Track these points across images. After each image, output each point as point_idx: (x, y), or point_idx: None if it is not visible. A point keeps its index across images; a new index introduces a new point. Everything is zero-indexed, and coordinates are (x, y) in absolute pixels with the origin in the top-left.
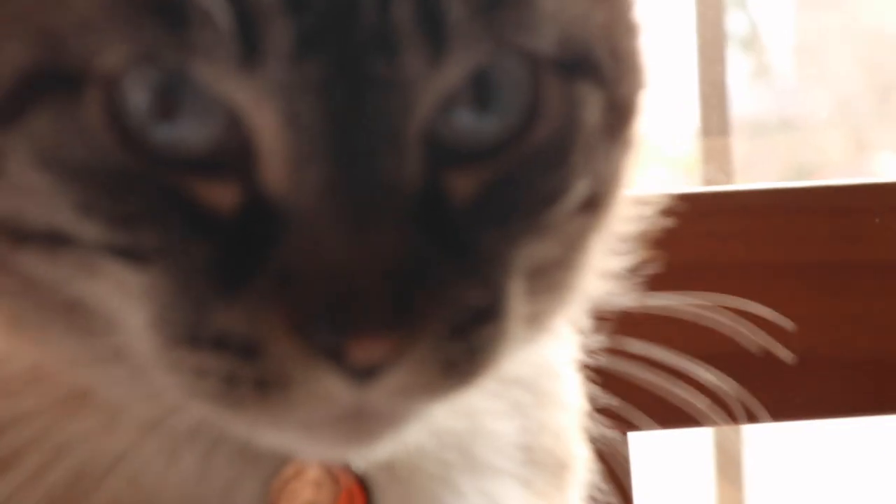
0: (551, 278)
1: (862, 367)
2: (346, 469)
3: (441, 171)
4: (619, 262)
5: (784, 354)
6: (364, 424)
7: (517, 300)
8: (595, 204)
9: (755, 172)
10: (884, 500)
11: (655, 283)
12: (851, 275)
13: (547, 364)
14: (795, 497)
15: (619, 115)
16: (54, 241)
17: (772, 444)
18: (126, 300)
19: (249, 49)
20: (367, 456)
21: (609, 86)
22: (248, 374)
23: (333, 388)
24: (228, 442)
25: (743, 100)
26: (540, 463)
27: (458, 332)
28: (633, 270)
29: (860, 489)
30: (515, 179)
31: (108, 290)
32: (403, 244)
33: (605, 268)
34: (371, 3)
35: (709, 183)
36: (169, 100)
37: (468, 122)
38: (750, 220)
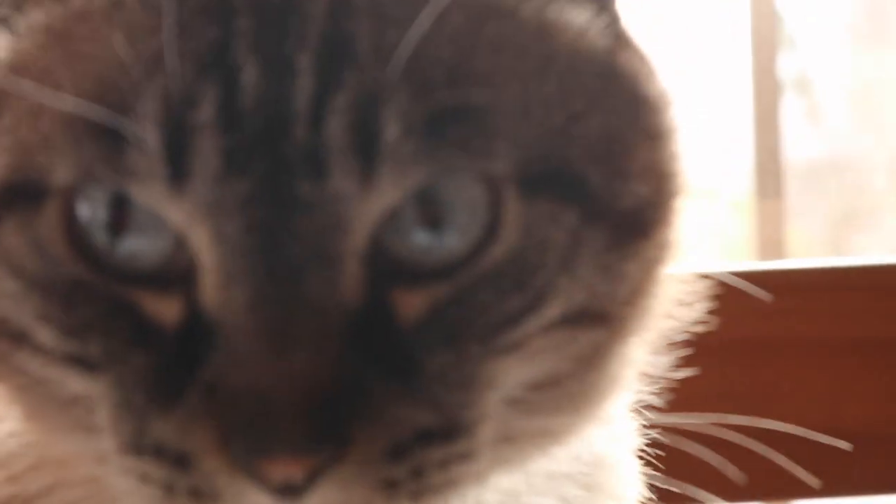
0: (564, 390)
1: None
2: None
3: (387, 290)
4: (661, 362)
5: (813, 482)
6: None
7: (488, 421)
8: (600, 318)
9: (806, 216)
10: None
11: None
12: None
13: (599, 457)
14: None
15: (625, 230)
16: (34, 344)
17: None
18: (92, 404)
19: (178, 169)
20: None
21: (599, 200)
22: (182, 484)
23: (260, 503)
24: None
25: (795, 143)
26: None
27: (398, 454)
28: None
29: None
30: (470, 300)
31: (79, 393)
32: (327, 365)
33: (646, 368)
34: (302, 123)
35: (763, 250)
36: (118, 217)
37: (419, 242)
38: (805, 297)
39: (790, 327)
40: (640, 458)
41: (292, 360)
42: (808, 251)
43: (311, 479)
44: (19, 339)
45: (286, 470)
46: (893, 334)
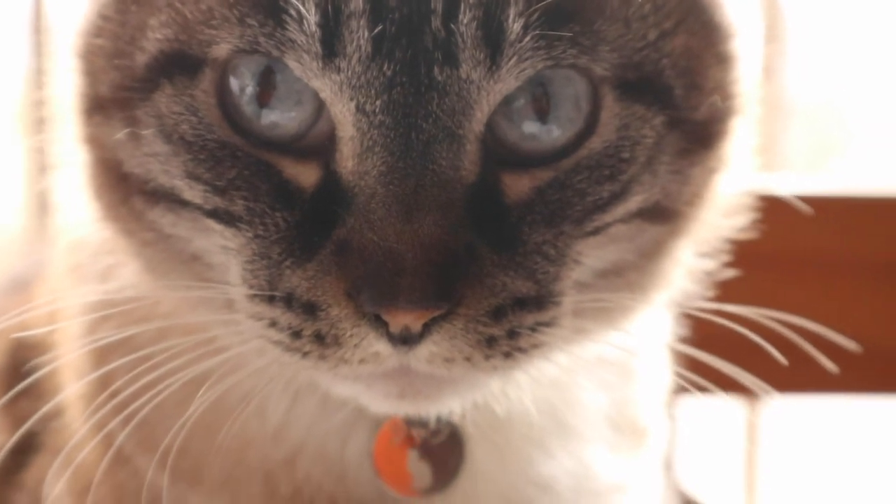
0: (625, 279)
1: None
2: (440, 423)
3: (499, 172)
4: (706, 264)
5: (831, 366)
6: (414, 384)
7: (569, 294)
8: (667, 215)
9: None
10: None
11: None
12: None
13: (636, 346)
14: (809, 471)
15: (696, 138)
16: (174, 201)
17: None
18: (228, 256)
19: (331, 49)
20: (426, 412)
21: (680, 110)
22: (309, 329)
23: (378, 348)
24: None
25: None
26: (624, 430)
27: (498, 315)
28: (716, 272)
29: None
30: (569, 185)
31: (216, 246)
32: (448, 231)
33: (693, 268)
34: (438, 17)
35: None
36: (268, 88)
37: (529, 131)
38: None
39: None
40: (686, 342)
41: (419, 223)
42: None
43: (425, 331)
44: (157, 196)
45: (406, 320)
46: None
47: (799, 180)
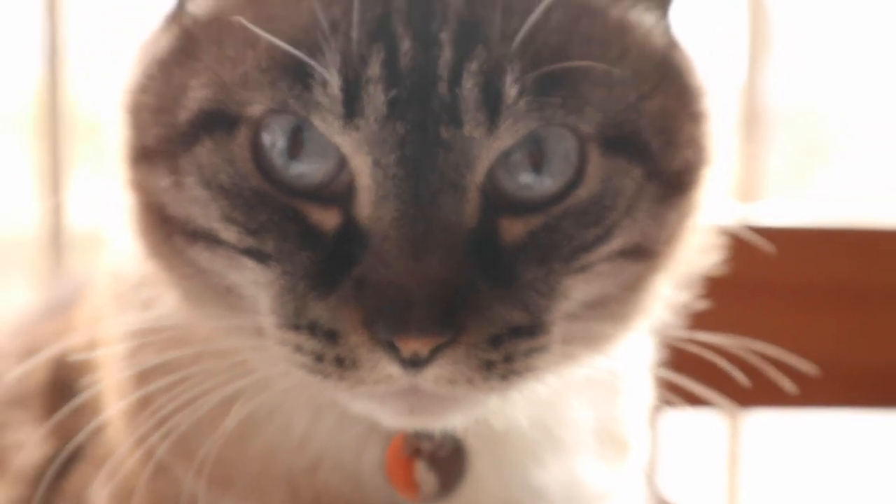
0: (609, 310)
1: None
2: (445, 436)
3: (496, 217)
4: (682, 296)
5: (789, 387)
6: (422, 402)
7: (558, 324)
8: (646, 254)
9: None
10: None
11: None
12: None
13: (621, 367)
14: (790, 485)
15: (671, 187)
16: (212, 240)
17: (770, 432)
18: (259, 289)
19: (352, 109)
20: (433, 427)
21: (657, 162)
22: (331, 354)
23: (391, 371)
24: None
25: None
26: (609, 444)
27: (496, 342)
28: (690, 303)
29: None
30: (559, 229)
31: (248, 280)
32: (452, 269)
33: (670, 299)
34: (444, 83)
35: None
36: (297, 143)
37: (524, 182)
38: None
39: (773, 270)
40: (663, 364)
41: (427, 262)
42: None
43: (432, 356)
44: (197, 236)
45: (415, 346)
46: (872, 287)
47: (766, 213)
